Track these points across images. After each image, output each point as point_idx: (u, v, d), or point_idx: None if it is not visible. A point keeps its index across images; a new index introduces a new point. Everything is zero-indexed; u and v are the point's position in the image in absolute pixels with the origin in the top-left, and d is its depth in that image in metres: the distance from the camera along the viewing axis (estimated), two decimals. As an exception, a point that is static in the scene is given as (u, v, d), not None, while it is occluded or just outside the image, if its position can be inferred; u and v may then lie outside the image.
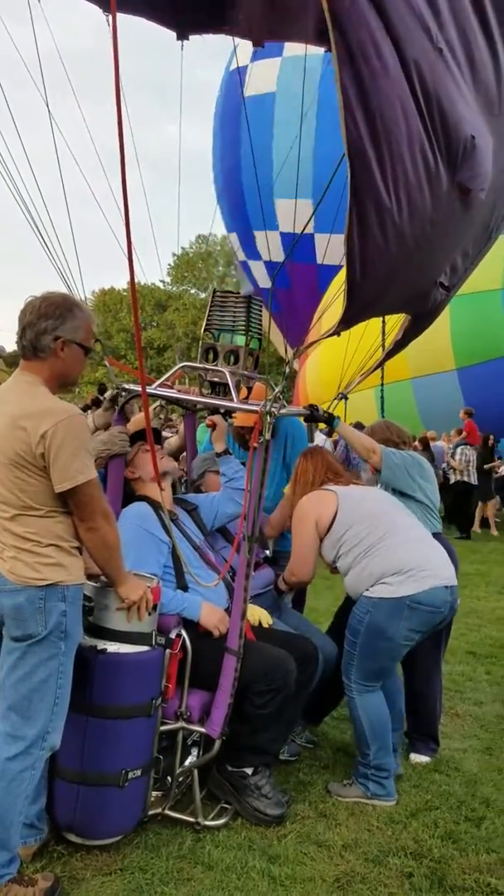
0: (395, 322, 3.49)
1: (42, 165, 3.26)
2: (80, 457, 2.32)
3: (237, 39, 4.22)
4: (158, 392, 3.28)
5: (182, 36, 4.18)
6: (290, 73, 15.96)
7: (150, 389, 3.23)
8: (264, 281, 18.21)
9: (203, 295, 43.05)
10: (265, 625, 3.16)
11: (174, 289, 44.85)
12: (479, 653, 5.46)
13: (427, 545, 3.20)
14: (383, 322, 4.13)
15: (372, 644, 3.10)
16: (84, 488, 2.34)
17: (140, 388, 3.16)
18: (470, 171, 2.27)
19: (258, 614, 3.20)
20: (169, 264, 41.43)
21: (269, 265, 17.95)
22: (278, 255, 17.12)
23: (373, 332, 3.77)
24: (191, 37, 4.26)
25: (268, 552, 3.73)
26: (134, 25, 4.08)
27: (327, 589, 6.60)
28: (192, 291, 44.37)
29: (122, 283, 43.92)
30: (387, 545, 3.12)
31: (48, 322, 2.38)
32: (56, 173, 3.34)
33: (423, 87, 2.10)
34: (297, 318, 12.77)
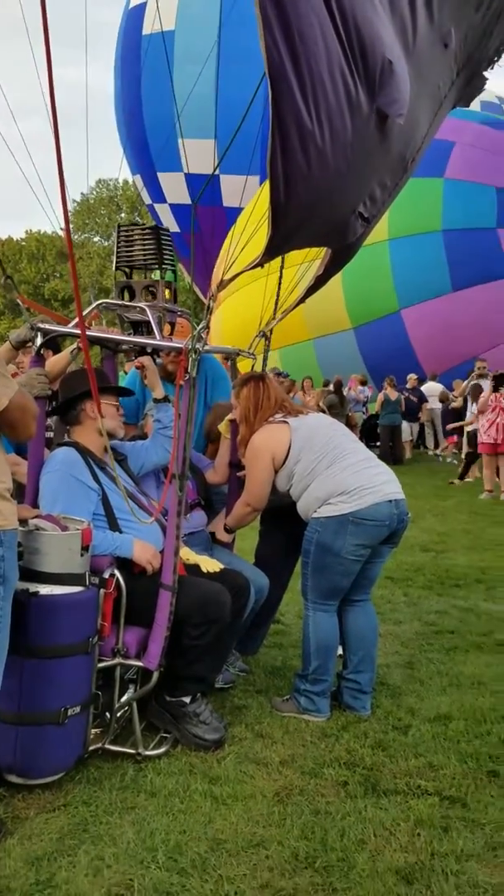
0: (306, 255, 3.48)
1: None
2: None
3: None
4: (73, 331, 3.18)
5: None
6: (189, 10, 15.45)
7: (67, 329, 3.14)
8: (171, 224, 17.82)
9: (107, 243, 41.74)
10: (212, 570, 3.20)
11: (77, 237, 43.08)
12: (396, 577, 5.73)
13: (371, 466, 3.30)
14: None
15: (321, 560, 3.24)
16: (11, 408, 2.24)
17: (72, 330, 3.07)
18: (388, 95, 2.27)
19: (207, 562, 3.24)
20: (70, 211, 39.46)
21: (175, 208, 17.56)
22: (183, 197, 16.76)
23: (288, 271, 3.76)
24: None
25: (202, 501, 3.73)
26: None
27: (252, 529, 6.70)
28: (96, 239, 42.85)
29: (19, 233, 41.99)
30: (332, 470, 3.23)
31: None
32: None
33: (340, 8, 2.08)
34: (207, 260, 12.63)
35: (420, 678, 3.80)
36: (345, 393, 13.79)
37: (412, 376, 14.43)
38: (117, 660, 2.90)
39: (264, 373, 3.64)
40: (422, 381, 14.71)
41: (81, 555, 2.70)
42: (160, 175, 17.20)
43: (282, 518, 3.61)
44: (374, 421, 14.53)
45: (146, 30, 16.31)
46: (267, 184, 2.18)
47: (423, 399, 14.70)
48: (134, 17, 17.05)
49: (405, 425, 14.47)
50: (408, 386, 14.47)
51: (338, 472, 3.23)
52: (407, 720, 3.32)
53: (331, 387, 13.53)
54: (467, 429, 11.57)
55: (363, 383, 14.99)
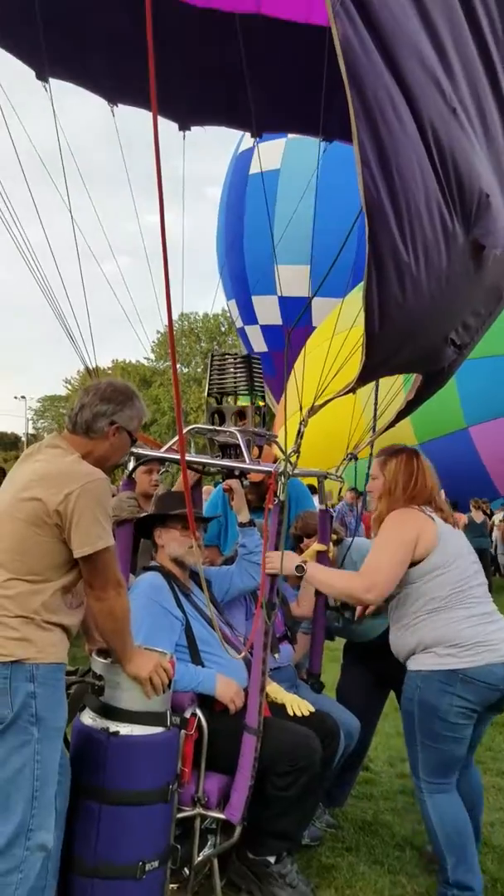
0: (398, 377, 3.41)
1: (43, 252, 3.53)
2: (102, 522, 2.24)
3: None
4: (169, 456, 3.18)
5: (184, 126, 4.34)
6: (294, 152, 16.81)
7: (162, 454, 3.15)
8: (260, 345, 18.48)
9: (186, 370, 45.03)
10: (305, 713, 2.94)
11: (159, 365, 46.32)
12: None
13: (492, 620, 2.82)
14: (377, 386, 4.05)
15: (428, 726, 2.75)
16: (102, 555, 2.24)
17: (167, 455, 3.11)
18: (484, 228, 2.25)
19: (297, 703, 2.98)
20: (153, 341, 42.99)
21: (265, 329, 18.29)
22: (275, 319, 17.48)
23: (381, 391, 3.70)
24: (192, 128, 4.43)
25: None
26: (128, 118, 4.23)
27: (333, 661, 6.38)
28: (178, 367, 45.86)
29: (106, 362, 45.50)
30: (454, 614, 2.77)
31: (108, 406, 2.43)
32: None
33: (437, 144, 2.10)
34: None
35: (532, 842, 3.37)
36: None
37: None
38: (197, 809, 2.68)
39: (417, 451, 3.08)
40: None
41: (164, 691, 2.57)
42: (254, 298, 18.13)
43: (366, 651, 3.35)
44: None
45: (253, 169, 17.74)
46: (342, 303, 2.18)
47: None
48: (242, 160, 18.69)
49: None
50: None
51: (458, 620, 2.76)
52: (518, 893, 2.92)
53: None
54: None
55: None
